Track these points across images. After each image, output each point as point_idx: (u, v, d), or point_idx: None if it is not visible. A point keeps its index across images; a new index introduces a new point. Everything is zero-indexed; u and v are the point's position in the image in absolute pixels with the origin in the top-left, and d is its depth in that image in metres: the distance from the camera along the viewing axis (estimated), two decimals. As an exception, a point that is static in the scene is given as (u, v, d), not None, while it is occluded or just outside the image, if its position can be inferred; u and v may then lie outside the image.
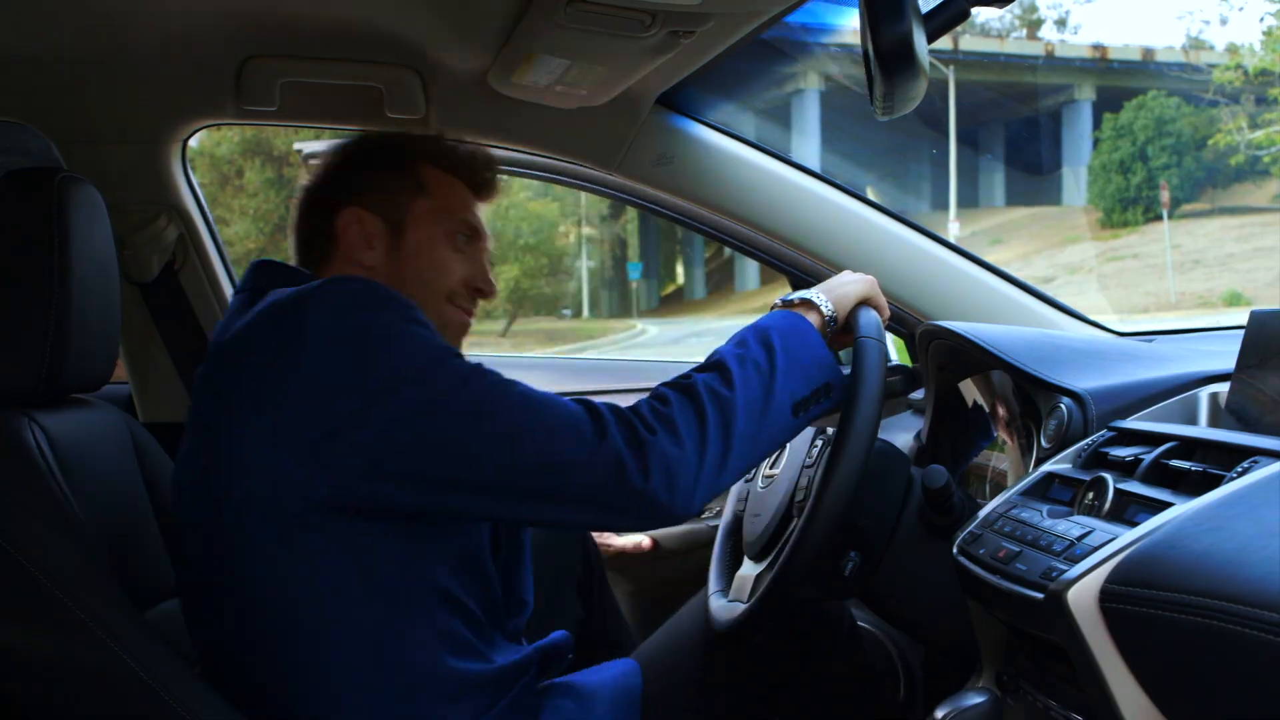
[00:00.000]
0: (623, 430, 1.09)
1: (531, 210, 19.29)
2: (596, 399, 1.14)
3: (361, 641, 1.13)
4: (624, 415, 1.10)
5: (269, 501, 1.09)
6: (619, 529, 1.57)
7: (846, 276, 1.31)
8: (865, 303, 1.29)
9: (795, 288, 1.75)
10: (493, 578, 1.26)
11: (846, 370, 1.22)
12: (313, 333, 1.09)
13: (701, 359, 1.21)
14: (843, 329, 1.28)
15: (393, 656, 1.13)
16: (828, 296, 1.26)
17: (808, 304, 1.25)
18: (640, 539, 1.62)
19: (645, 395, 1.15)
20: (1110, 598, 0.87)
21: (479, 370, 1.11)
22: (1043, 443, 1.28)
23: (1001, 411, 1.54)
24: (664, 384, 1.16)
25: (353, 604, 1.12)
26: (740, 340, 1.20)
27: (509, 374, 1.14)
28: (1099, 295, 15.18)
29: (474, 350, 1.34)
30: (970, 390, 1.62)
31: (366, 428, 1.06)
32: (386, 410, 1.06)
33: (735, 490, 1.62)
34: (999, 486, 1.49)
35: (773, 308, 1.28)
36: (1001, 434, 1.56)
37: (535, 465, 1.07)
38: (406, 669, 1.14)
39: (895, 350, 2.04)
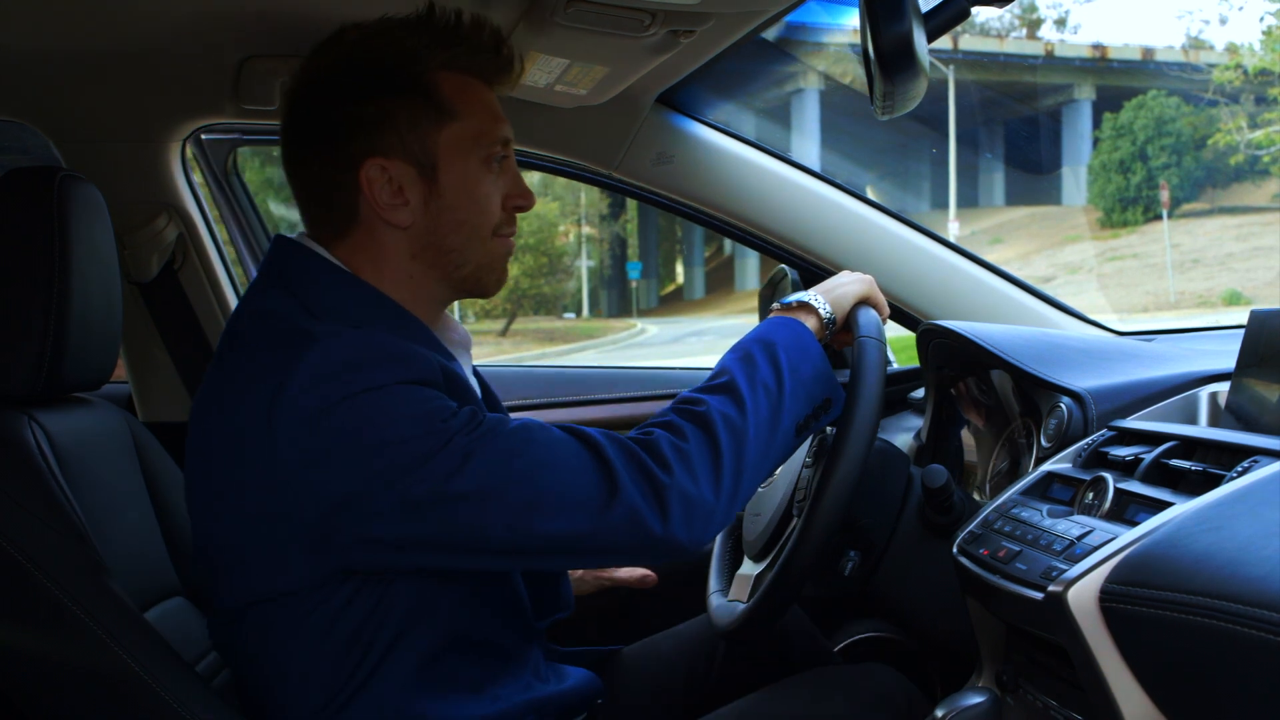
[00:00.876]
0: (637, 478, 1.05)
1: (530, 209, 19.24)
2: (605, 432, 1.09)
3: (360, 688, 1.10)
4: (639, 460, 1.06)
5: (268, 574, 1.07)
6: (640, 566, 1.54)
7: (845, 277, 1.30)
8: (864, 302, 1.28)
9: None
10: (521, 591, 1.23)
11: (843, 373, 1.21)
12: (294, 413, 1.01)
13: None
14: (842, 328, 1.27)
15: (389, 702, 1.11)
16: (826, 298, 1.25)
17: (806, 307, 1.24)
18: (645, 572, 1.57)
19: (659, 415, 1.13)
20: (1110, 597, 0.87)
21: (479, 439, 1.03)
22: (1043, 442, 1.28)
23: (969, 392, 1.55)
24: (678, 411, 1.13)
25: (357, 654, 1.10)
26: (746, 355, 1.17)
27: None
28: (1099, 295, 15.19)
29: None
30: (970, 389, 1.62)
31: (363, 513, 1.02)
32: (383, 499, 1.01)
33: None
34: (999, 486, 1.49)
35: (771, 310, 1.28)
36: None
37: (545, 536, 1.04)
38: (397, 710, 1.11)
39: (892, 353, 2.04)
